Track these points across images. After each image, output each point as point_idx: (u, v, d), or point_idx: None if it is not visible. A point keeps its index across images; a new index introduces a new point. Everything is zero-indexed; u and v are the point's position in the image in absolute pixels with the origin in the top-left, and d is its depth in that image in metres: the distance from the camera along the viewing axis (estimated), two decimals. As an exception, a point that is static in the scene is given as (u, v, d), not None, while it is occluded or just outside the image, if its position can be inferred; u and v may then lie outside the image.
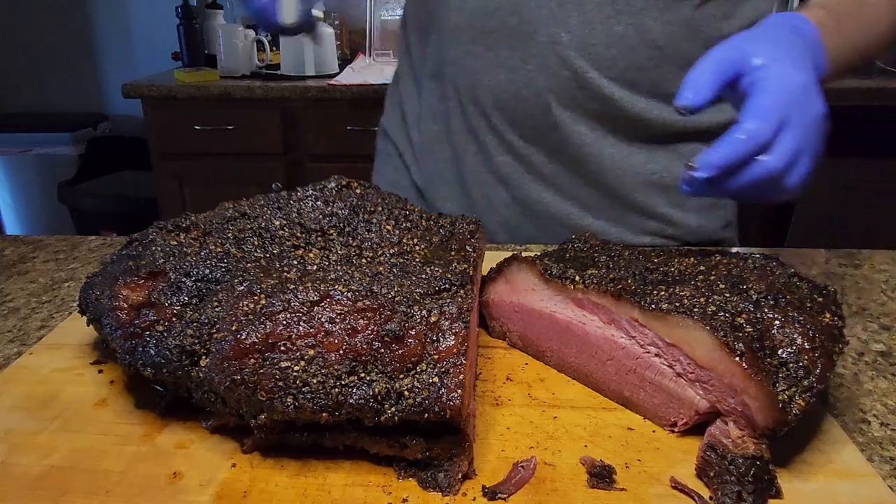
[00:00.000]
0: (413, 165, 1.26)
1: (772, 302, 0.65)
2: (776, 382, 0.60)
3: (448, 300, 0.66)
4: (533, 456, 0.64)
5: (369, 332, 0.62)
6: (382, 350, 0.61)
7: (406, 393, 0.59)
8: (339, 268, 0.71)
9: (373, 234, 0.79)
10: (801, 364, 0.61)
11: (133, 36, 3.78)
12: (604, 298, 0.71)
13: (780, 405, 0.58)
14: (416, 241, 0.78)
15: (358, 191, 0.84)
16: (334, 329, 0.62)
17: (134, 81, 2.99)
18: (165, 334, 0.66)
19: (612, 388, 0.73)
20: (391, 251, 0.77)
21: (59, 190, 3.41)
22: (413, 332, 0.62)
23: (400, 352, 0.61)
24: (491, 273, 0.85)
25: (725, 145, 0.69)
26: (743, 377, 0.60)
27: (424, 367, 0.61)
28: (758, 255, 0.76)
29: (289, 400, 0.60)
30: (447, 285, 0.68)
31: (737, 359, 0.60)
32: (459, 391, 0.59)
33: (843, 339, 0.66)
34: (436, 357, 0.61)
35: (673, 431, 0.68)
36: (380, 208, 0.82)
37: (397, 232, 0.79)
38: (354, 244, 0.77)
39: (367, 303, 0.63)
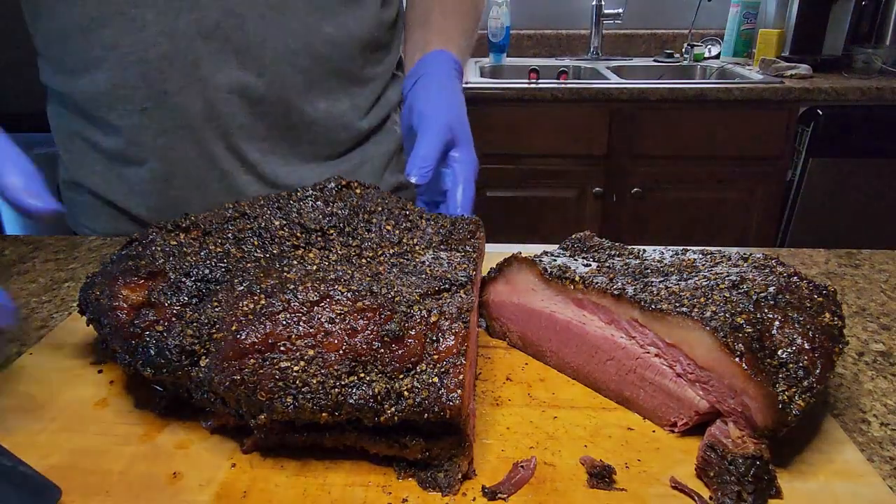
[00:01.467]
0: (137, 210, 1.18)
1: (772, 302, 0.65)
2: (776, 383, 0.60)
3: (448, 300, 0.66)
4: (533, 456, 0.64)
5: (369, 332, 0.62)
6: (382, 350, 0.61)
7: (406, 393, 0.59)
8: (339, 268, 0.71)
9: (373, 234, 0.79)
10: (800, 364, 0.61)
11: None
12: (604, 298, 0.71)
13: (780, 405, 0.58)
14: (415, 241, 0.78)
15: (358, 191, 0.84)
16: (334, 329, 0.62)
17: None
18: (165, 334, 0.66)
19: (612, 389, 0.73)
20: (391, 251, 0.77)
21: (59, 190, 3.41)
22: (413, 333, 0.62)
23: (400, 352, 0.61)
24: (491, 273, 0.85)
25: None
26: (743, 378, 0.60)
27: (424, 368, 0.61)
28: (758, 255, 0.76)
29: (288, 400, 0.60)
30: (447, 285, 0.68)
31: (737, 359, 0.60)
32: (459, 391, 0.59)
33: (843, 339, 0.66)
34: (435, 357, 0.61)
35: (673, 431, 0.68)
36: (380, 208, 0.82)
37: (397, 232, 0.79)
38: (354, 244, 0.77)
39: (367, 303, 0.63)
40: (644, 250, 0.82)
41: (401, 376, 0.60)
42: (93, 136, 1.13)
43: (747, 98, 2.71)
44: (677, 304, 0.65)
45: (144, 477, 0.62)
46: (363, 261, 0.75)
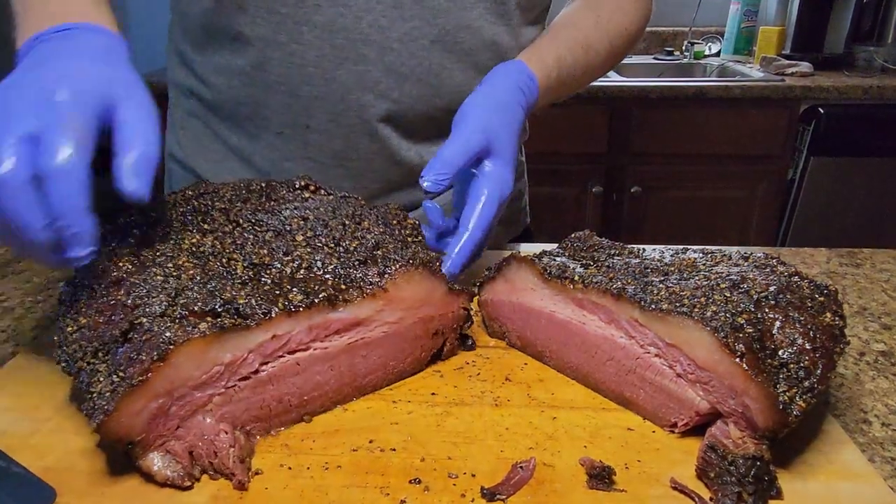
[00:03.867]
0: None
1: (772, 302, 0.65)
2: (777, 383, 0.60)
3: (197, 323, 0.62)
4: (532, 457, 0.65)
5: (115, 327, 0.62)
6: (118, 348, 0.61)
7: (96, 395, 0.59)
8: (187, 260, 0.69)
9: (266, 239, 0.74)
10: (801, 365, 0.61)
11: (129, 30, 3.75)
12: (604, 298, 0.72)
13: (781, 406, 0.59)
14: (302, 260, 0.71)
15: (307, 194, 0.85)
16: (104, 311, 0.64)
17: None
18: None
19: (612, 389, 0.73)
20: (264, 260, 0.71)
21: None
22: (134, 339, 0.61)
23: (125, 356, 0.60)
24: (490, 272, 0.85)
25: (458, 257, 0.82)
26: (743, 378, 0.60)
27: (114, 377, 0.59)
28: (759, 255, 0.77)
29: (58, 351, 0.65)
30: (226, 309, 0.63)
31: (737, 360, 0.60)
32: (108, 412, 0.57)
33: (844, 339, 0.66)
34: (121, 374, 0.59)
35: (673, 432, 0.69)
36: (312, 216, 0.78)
37: (305, 245, 0.74)
38: (229, 242, 0.74)
39: (129, 301, 0.64)
40: (644, 249, 0.82)
41: (111, 377, 0.59)
42: (217, 128, 1.12)
43: (748, 96, 2.71)
44: (677, 304, 0.65)
45: (140, 477, 0.62)
46: (217, 263, 0.70)
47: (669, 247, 0.83)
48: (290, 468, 0.64)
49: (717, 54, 3.50)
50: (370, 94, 1.03)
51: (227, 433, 0.63)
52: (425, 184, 0.82)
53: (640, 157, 2.86)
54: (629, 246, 0.84)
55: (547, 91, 1.02)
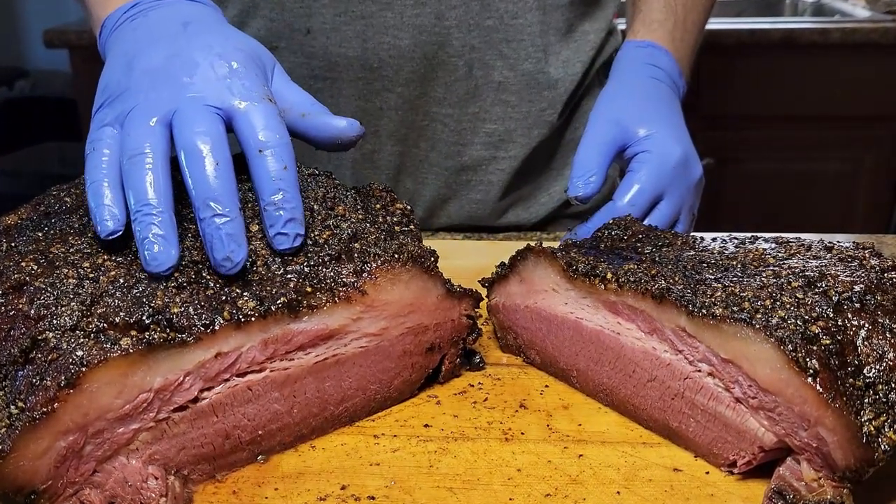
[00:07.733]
0: None
1: (857, 305, 0.65)
2: (860, 410, 0.59)
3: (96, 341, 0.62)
4: (549, 506, 0.65)
5: (14, 345, 0.62)
6: (18, 371, 0.61)
7: None
8: (109, 258, 0.70)
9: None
10: (893, 385, 0.60)
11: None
12: (643, 301, 0.71)
13: (866, 439, 0.58)
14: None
15: None
16: (2, 325, 0.64)
17: (60, 26, 2.99)
18: None
19: (655, 418, 0.74)
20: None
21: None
22: (39, 358, 0.61)
23: (26, 381, 0.60)
24: (501, 269, 0.85)
25: (599, 224, 0.91)
26: (817, 403, 0.59)
27: (12, 408, 0.59)
28: (847, 244, 0.76)
29: None
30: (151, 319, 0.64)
31: (809, 380, 0.59)
32: (4, 453, 0.57)
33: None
34: (21, 405, 0.59)
35: (731, 473, 0.69)
36: None
37: (260, 238, 0.74)
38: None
39: (32, 311, 0.64)
40: (701, 239, 0.82)
41: (7, 409, 0.60)
42: None
43: (850, 41, 2.69)
44: (735, 309, 0.65)
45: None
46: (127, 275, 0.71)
47: (735, 235, 0.82)
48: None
49: (812, -14, 3.48)
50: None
51: (157, 479, 0.64)
52: (579, 193, 0.94)
53: (713, 120, 2.84)
54: (683, 234, 0.83)
55: (673, 41, 1.12)
